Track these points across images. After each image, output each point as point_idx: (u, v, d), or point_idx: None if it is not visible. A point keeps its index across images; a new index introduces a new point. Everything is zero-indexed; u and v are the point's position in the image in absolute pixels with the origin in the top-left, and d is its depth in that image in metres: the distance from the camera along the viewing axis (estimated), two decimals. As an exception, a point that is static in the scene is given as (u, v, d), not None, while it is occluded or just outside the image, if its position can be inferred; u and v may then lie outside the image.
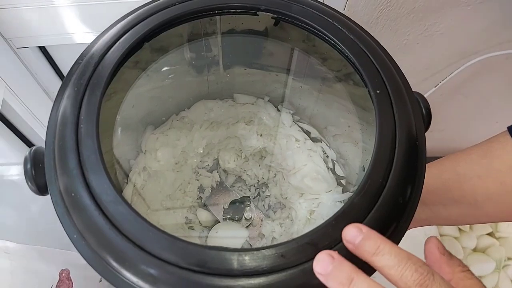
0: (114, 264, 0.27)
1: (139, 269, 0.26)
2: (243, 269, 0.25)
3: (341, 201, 0.51)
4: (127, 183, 0.50)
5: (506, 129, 0.42)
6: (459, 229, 1.03)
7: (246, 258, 0.26)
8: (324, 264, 0.24)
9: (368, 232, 0.25)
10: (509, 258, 1.01)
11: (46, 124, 0.32)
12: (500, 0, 0.69)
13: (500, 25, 0.74)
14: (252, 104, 0.58)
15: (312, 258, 0.25)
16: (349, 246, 0.26)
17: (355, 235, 0.25)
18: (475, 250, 1.02)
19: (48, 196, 0.31)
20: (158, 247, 0.26)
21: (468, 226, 1.03)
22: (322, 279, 0.24)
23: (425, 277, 0.23)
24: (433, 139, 1.12)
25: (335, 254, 0.25)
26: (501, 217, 0.44)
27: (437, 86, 0.85)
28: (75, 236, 0.28)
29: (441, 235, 1.01)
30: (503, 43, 0.78)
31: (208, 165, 0.60)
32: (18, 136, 0.66)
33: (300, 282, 0.25)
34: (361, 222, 0.27)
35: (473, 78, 0.88)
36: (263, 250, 0.26)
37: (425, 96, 0.85)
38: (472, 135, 1.10)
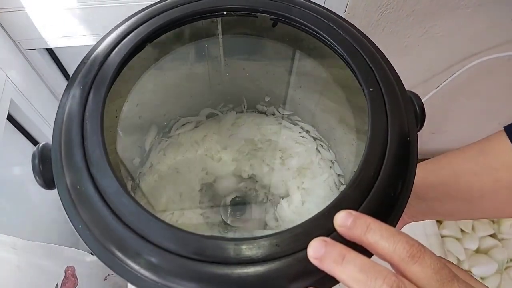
0: (117, 252, 0.28)
1: (140, 257, 0.27)
2: (239, 257, 0.26)
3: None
4: (130, 180, 0.52)
5: (503, 128, 0.43)
6: (461, 230, 1.03)
7: (242, 247, 0.27)
8: (317, 248, 0.26)
9: (358, 214, 0.26)
10: (511, 260, 1.01)
11: (52, 123, 0.34)
12: (500, 1, 0.69)
13: (500, 27, 0.75)
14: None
15: (305, 247, 0.26)
16: (342, 230, 0.27)
17: (346, 218, 0.26)
18: (477, 251, 1.03)
19: (55, 196, 0.32)
20: (159, 236, 0.27)
21: (471, 227, 1.04)
22: (316, 263, 0.25)
23: (416, 248, 0.24)
24: (436, 141, 1.12)
25: (327, 238, 0.26)
26: (494, 213, 0.45)
27: (438, 87, 0.86)
28: (80, 226, 0.29)
29: (442, 236, 1.01)
30: (504, 45, 0.79)
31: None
32: (25, 136, 0.67)
33: (294, 270, 0.26)
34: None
35: (474, 80, 0.88)
36: (259, 240, 0.27)
37: (426, 97, 0.86)
38: (475, 136, 1.10)
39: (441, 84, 0.85)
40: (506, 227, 1.04)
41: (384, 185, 0.29)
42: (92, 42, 0.39)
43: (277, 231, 0.27)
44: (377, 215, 0.27)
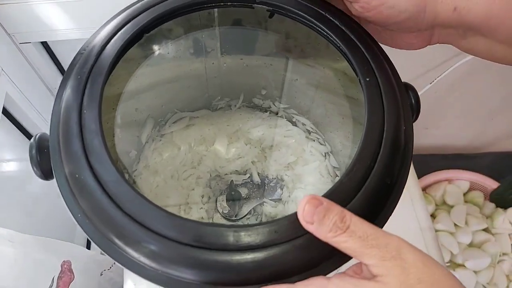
0: (117, 241, 0.28)
1: (140, 245, 0.27)
2: (238, 244, 0.27)
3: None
4: (126, 173, 0.52)
5: None
6: (455, 224, 1.04)
7: (241, 234, 0.27)
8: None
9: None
10: (504, 253, 1.02)
11: (47, 118, 0.34)
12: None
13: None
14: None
15: (304, 234, 0.27)
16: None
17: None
18: (470, 245, 1.03)
19: (51, 190, 0.32)
20: (158, 224, 0.27)
21: (464, 222, 1.04)
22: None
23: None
24: (429, 136, 1.13)
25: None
26: None
27: (433, 83, 0.86)
28: (79, 215, 0.29)
29: (436, 231, 1.02)
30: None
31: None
32: (20, 130, 0.67)
33: (292, 256, 0.27)
34: (350, 201, 0.29)
35: (468, 75, 0.89)
36: (257, 226, 0.27)
37: (420, 92, 0.86)
38: (469, 132, 1.11)
39: (435, 79, 0.85)
40: (499, 221, 1.05)
41: (381, 174, 0.30)
42: (87, 36, 0.39)
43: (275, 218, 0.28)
44: (373, 203, 0.28)
